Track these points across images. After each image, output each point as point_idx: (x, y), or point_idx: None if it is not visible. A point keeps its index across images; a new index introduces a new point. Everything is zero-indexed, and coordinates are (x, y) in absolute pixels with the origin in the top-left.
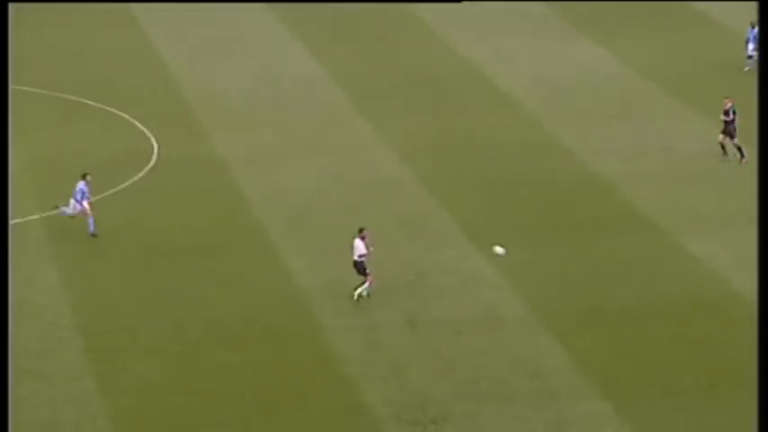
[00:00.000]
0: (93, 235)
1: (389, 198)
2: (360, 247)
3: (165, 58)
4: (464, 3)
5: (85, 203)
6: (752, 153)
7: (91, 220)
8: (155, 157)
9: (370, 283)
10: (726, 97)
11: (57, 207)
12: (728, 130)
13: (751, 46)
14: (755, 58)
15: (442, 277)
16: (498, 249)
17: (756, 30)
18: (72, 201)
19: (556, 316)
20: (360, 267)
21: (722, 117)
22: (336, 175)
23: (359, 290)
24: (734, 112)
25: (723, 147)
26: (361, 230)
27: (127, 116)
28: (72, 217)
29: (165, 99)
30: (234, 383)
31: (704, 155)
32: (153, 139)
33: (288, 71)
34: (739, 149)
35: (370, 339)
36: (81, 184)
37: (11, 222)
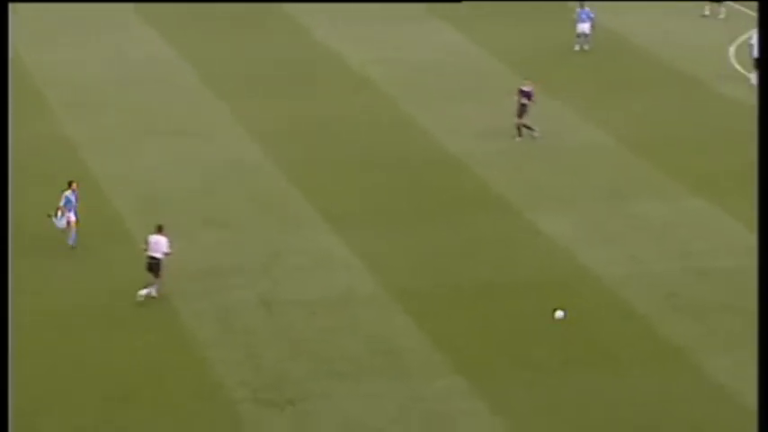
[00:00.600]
0: (73, 248)
1: (244, 180)
2: (162, 243)
3: (13, 40)
4: None
5: (72, 215)
6: (752, 153)
7: (74, 233)
8: None
9: (158, 287)
10: (526, 78)
11: (49, 216)
12: (521, 110)
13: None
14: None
15: (297, 258)
16: (559, 314)
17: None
18: (61, 212)
19: (410, 295)
20: (156, 266)
21: (521, 99)
22: (191, 157)
23: (147, 290)
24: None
25: (519, 128)
26: (160, 228)
27: None
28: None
29: (15, 83)
30: (89, 370)
31: (554, 134)
32: None
33: (141, 54)
34: (527, 127)
35: (224, 321)
36: (68, 194)
37: None
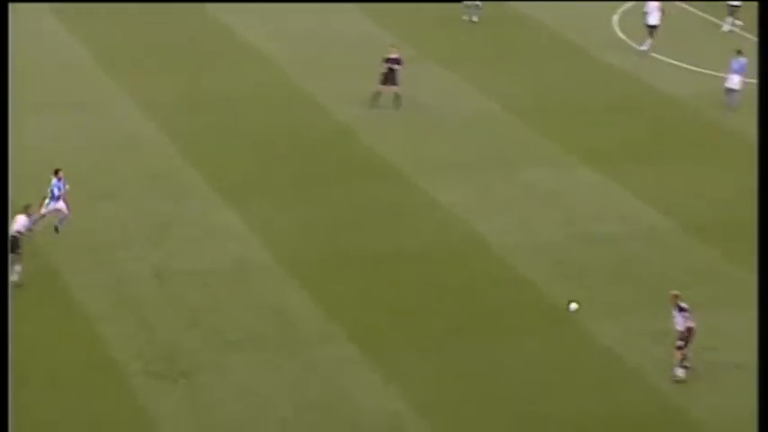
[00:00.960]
0: (56, 229)
1: (137, 154)
2: (20, 221)
3: None
4: None
5: (61, 203)
6: (752, 153)
7: (63, 219)
8: None
9: (20, 269)
10: (393, 46)
11: (56, 229)
12: (391, 78)
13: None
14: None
15: (189, 229)
16: (573, 306)
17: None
18: (49, 201)
19: (304, 264)
20: (16, 243)
21: (388, 66)
22: (84, 131)
23: (16, 271)
24: (398, 62)
25: (378, 95)
26: (26, 207)
27: None
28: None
29: None
30: None
31: (444, 103)
32: None
33: (29, 28)
34: (397, 97)
35: (117, 294)
36: (54, 181)
37: None
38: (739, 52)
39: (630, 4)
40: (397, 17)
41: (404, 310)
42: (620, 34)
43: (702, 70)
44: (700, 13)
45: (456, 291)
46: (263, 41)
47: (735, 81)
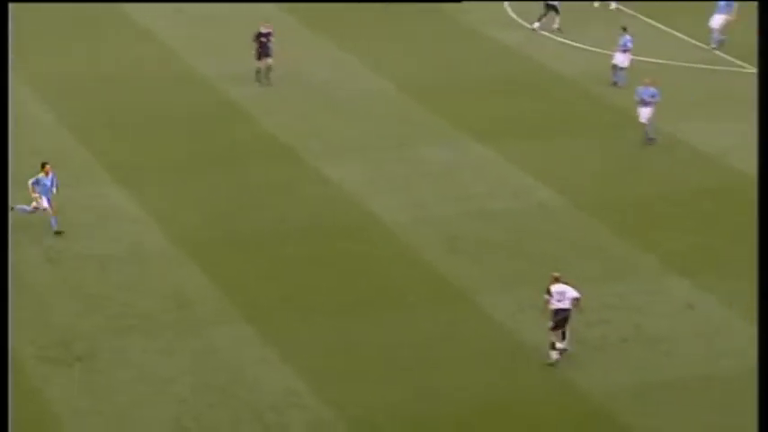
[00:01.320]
0: (58, 232)
1: (27, 137)
2: None
3: None
4: None
5: (44, 202)
6: (752, 152)
7: (53, 219)
8: None
9: None
10: (264, 21)
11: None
12: (264, 52)
13: None
14: None
15: (83, 213)
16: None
17: None
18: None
19: (199, 246)
20: None
21: (260, 40)
22: None
23: None
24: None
25: (259, 72)
26: None
27: None
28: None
29: None
30: None
31: (337, 81)
32: None
33: None
34: (259, 71)
35: (10, 278)
36: (40, 176)
37: None
38: (624, 29)
39: None
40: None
41: (299, 288)
42: (512, 13)
43: (589, 48)
44: None
45: (350, 268)
46: (154, 20)
47: (620, 58)
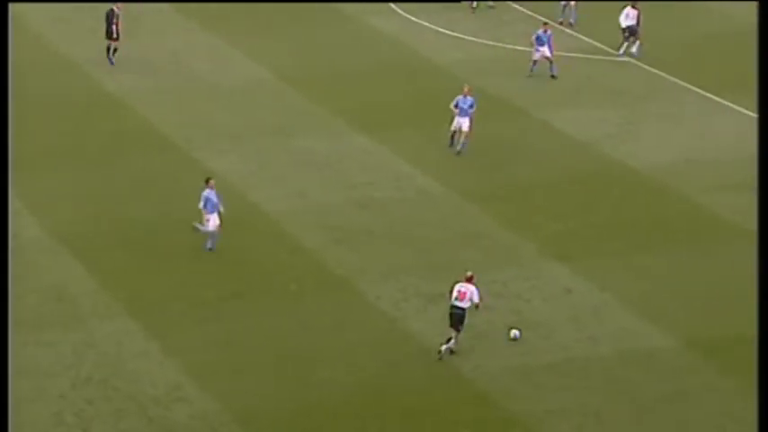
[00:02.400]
0: (210, 249)
1: None
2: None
3: None
4: None
5: (215, 216)
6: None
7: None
8: None
9: None
10: (117, 5)
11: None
12: (111, 32)
13: None
14: None
15: None
16: (514, 333)
17: None
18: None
19: (79, 239)
20: None
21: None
22: None
23: None
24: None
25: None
26: None
27: None
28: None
29: None
30: None
31: (216, 70)
32: None
33: None
34: (109, 51)
35: None
36: (207, 192)
37: None
38: (546, 24)
39: None
40: None
41: (180, 279)
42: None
43: (465, 37)
44: None
45: (232, 258)
46: (24, 7)
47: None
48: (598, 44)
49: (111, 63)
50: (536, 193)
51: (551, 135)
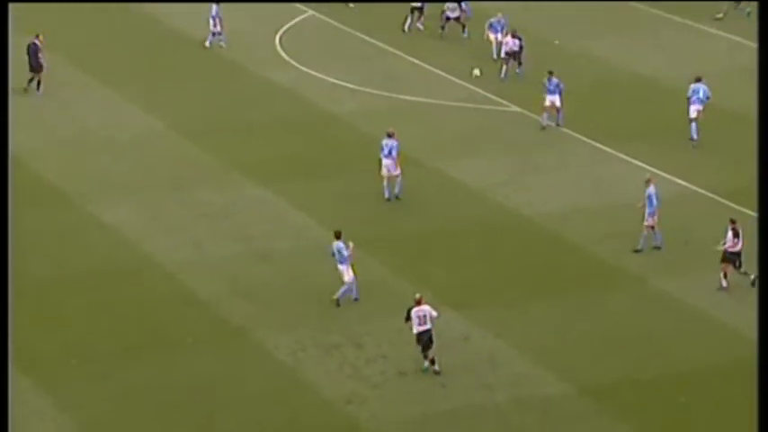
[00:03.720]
0: (356, 299)
1: None
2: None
3: None
4: None
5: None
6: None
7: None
8: None
9: None
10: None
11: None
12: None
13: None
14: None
15: None
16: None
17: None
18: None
19: None
20: None
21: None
22: None
23: None
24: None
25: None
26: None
27: None
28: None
29: None
30: None
31: (109, 123)
32: None
33: None
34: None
35: None
36: (337, 244)
37: None
38: (551, 72)
39: (291, 23)
40: (63, 36)
41: (77, 336)
42: (282, 53)
43: (359, 88)
44: (358, 33)
45: (128, 313)
46: None
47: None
48: (486, 93)
49: (38, 93)
50: (431, 240)
51: (445, 183)
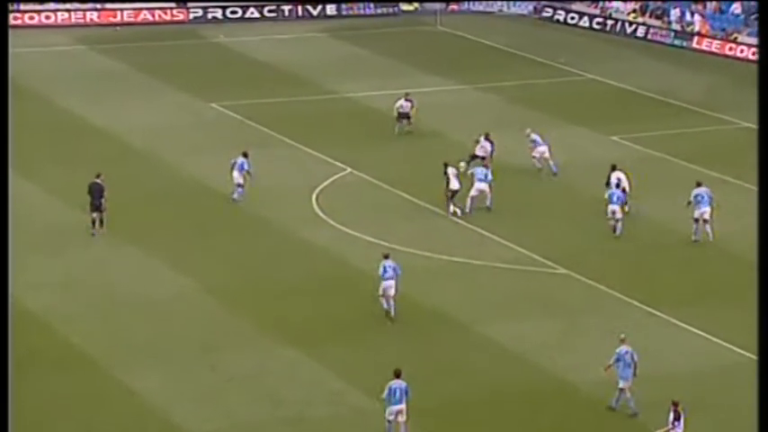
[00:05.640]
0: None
1: None
2: None
3: None
4: None
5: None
6: (752, 155)
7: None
8: None
9: None
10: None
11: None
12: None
13: None
14: None
15: None
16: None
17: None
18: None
19: None
20: None
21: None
22: None
23: None
24: None
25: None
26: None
27: None
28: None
29: None
30: None
31: (140, 284)
32: None
33: None
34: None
35: None
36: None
37: None
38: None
39: (329, 181)
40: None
41: None
42: (319, 211)
43: (398, 247)
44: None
45: None
46: None
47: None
48: (533, 255)
49: (102, 231)
50: (475, 408)
51: (489, 348)
